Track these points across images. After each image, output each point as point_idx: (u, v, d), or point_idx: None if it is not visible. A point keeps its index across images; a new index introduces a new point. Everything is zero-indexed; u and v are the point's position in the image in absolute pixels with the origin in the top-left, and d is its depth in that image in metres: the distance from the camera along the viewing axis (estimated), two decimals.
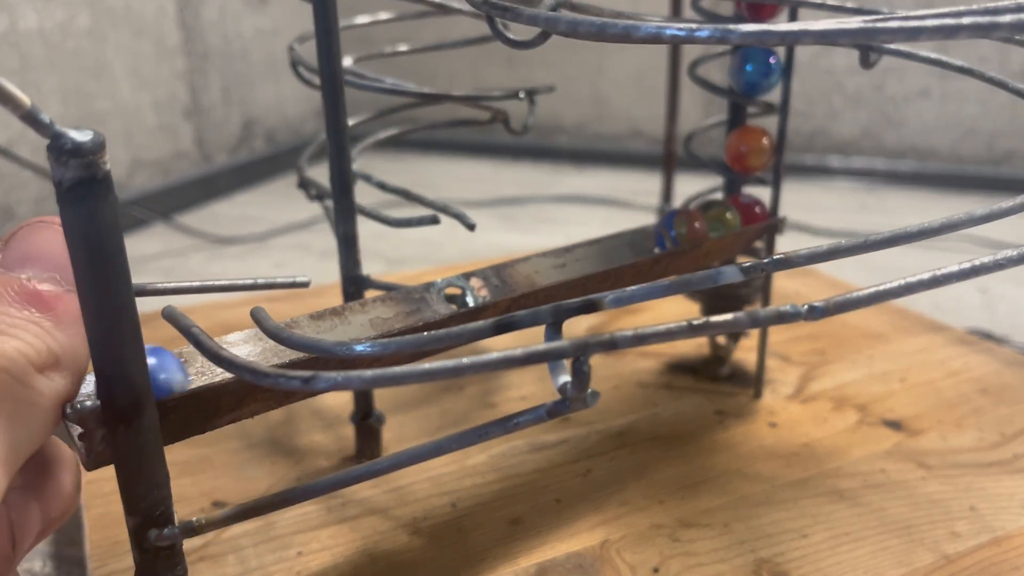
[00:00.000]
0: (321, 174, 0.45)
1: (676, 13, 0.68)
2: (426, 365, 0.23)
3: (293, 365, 0.32)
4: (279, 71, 1.49)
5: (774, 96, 0.50)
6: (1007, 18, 0.23)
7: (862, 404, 0.55)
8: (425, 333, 0.25)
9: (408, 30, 1.49)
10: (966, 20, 0.23)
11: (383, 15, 0.59)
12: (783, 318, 0.24)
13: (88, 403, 0.27)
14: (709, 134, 0.61)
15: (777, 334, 0.64)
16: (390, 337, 0.36)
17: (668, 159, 0.84)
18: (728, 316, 0.24)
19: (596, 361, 0.62)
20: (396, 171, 1.52)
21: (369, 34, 1.52)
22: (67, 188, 0.24)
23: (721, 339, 0.58)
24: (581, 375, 0.24)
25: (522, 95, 0.49)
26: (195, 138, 1.33)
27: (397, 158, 1.62)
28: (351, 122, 0.51)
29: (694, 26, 0.24)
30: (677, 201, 0.82)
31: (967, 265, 0.25)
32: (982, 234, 1.13)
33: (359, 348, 0.25)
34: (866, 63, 0.42)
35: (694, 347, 0.63)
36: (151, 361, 0.28)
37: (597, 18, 0.26)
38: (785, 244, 1.08)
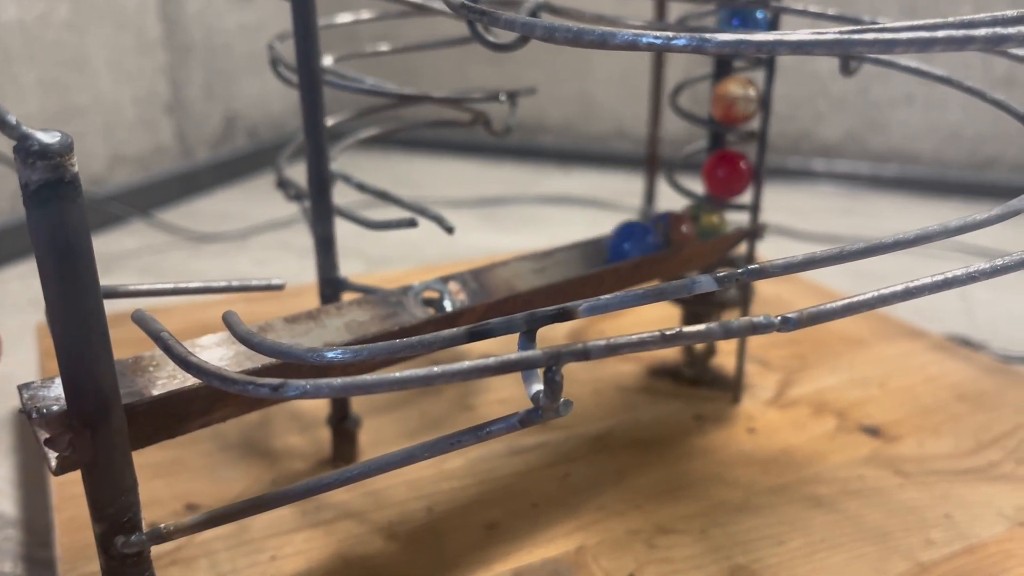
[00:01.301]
0: (302, 172, 0.45)
1: (660, 18, 0.68)
2: (397, 374, 0.23)
3: (265, 370, 0.31)
4: (262, 66, 1.48)
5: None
6: (981, 32, 0.23)
7: (841, 410, 0.55)
8: (398, 340, 0.25)
9: (393, 28, 1.48)
10: (941, 34, 0.23)
11: (365, 14, 0.58)
12: (756, 329, 0.24)
13: (55, 408, 0.26)
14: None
15: (757, 339, 0.64)
16: (365, 342, 0.36)
17: (651, 161, 0.84)
18: (701, 327, 0.24)
19: (575, 364, 0.62)
20: (379, 170, 1.52)
21: (355, 31, 1.51)
22: (34, 190, 0.23)
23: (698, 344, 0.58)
24: (553, 385, 0.24)
25: (503, 97, 0.49)
26: (176, 133, 1.32)
27: (381, 156, 1.61)
28: (330, 122, 0.51)
29: (671, 34, 0.24)
30: (660, 202, 0.82)
31: (939, 278, 0.25)
32: (964, 238, 1.13)
33: (330, 355, 0.25)
34: (846, 71, 0.42)
35: (674, 351, 0.63)
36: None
37: (574, 24, 0.25)
38: (768, 247, 1.08)
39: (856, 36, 0.23)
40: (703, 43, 0.24)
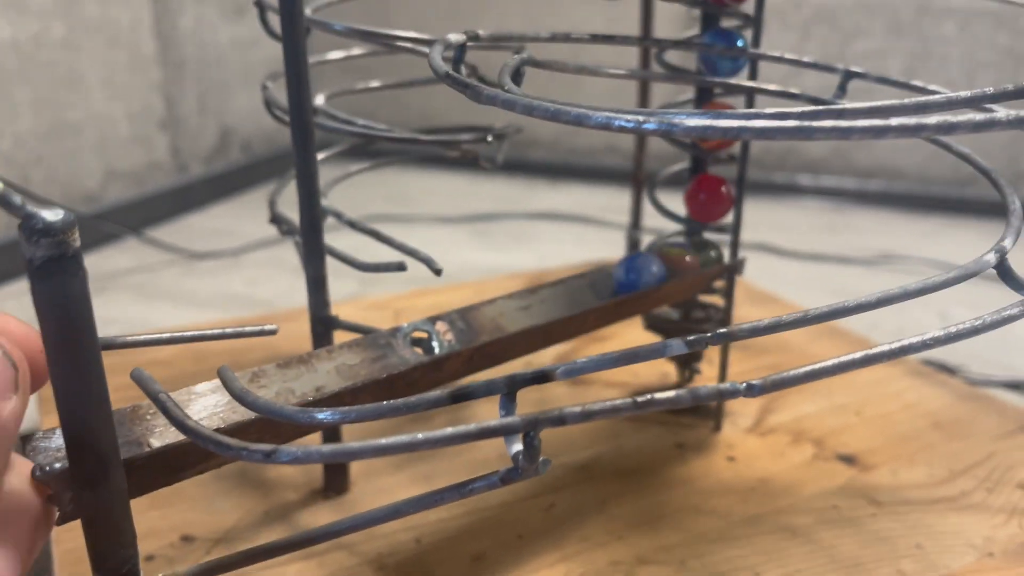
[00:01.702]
0: (294, 196, 0.46)
1: (644, 66, 0.69)
2: (383, 441, 0.24)
3: (258, 422, 0.33)
4: (256, 81, 1.49)
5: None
6: (932, 120, 0.24)
7: (818, 438, 0.57)
8: (385, 403, 0.26)
9: (387, 55, 1.50)
10: (894, 122, 0.24)
11: (357, 50, 0.60)
12: (723, 395, 0.26)
13: (57, 465, 0.28)
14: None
15: (738, 365, 0.66)
16: (355, 387, 0.37)
17: (636, 182, 0.85)
18: (671, 393, 0.25)
19: (563, 391, 0.63)
20: (373, 184, 1.53)
21: (348, 61, 1.52)
22: (38, 265, 0.25)
23: (684, 373, 0.60)
24: (531, 449, 0.26)
25: (490, 139, 0.51)
26: (170, 148, 1.33)
27: (374, 171, 1.63)
28: (321, 156, 0.52)
29: (641, 118, 0.25)
30: (646, 221, 0.84)
31: (896, 345, 0.27)
32: (943, 258, 1.15)
33: (321, 416, 0.27)
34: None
35: (657, 378, 0.64)
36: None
37: (552, 104, 0.27)
38: (752, 265, 1.09)
39: (815, 124, 0.24)
40: (672, 127, 0.25)
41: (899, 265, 1.14)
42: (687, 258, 0.51)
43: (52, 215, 0.25)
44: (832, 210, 1.43)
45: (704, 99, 0.54)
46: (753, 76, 0.50)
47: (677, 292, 0.51)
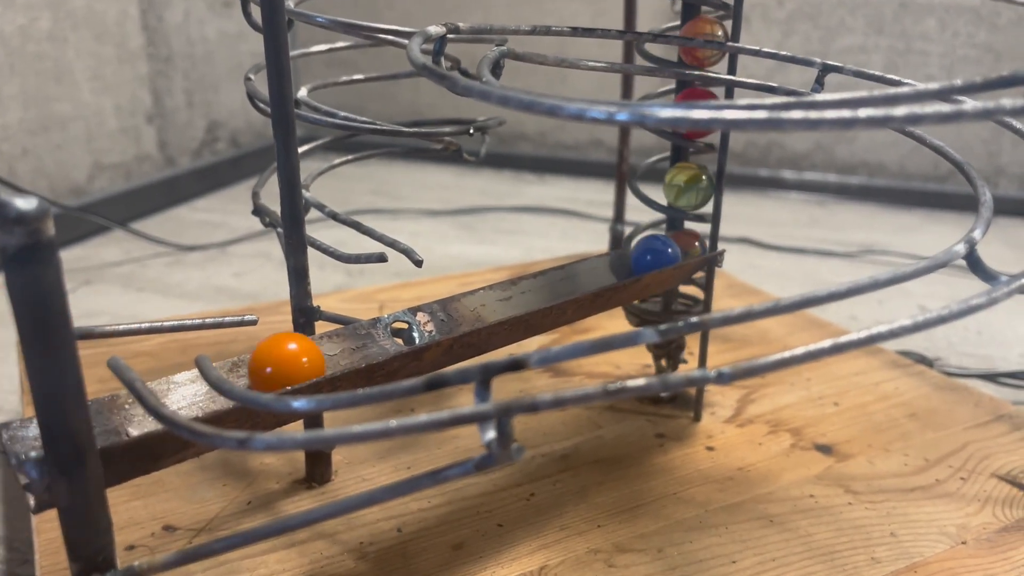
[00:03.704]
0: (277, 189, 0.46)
1: (628, 59, 0.70)
2: (357, 428, 0.25)
3: (236, 411, 0.33)
4: (243, 74, 1.48)
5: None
6: (900, 112, 0.25)
7: (796, 428, 0.57)
8: (360, 391, 0.27)
9: (373, 48, 1.49)
10: (862, 113, 0.25)
11: (341, 43, 0.60)
12: (692, 382, 0.26)
13: (33, 454, 0.28)
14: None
15: (719, 357, 0.67)
16: (335, 377, 0.37)
17: (620, 176, 0.86)
18: (641, 381, 0.26)
19: (544, 383, 0.64)
20: (358, 178, 1.53)
21: (333, 57, 1.52)
22: (12, 254, 0.25)
23: (663, 361, 0.60)
24: (504, 435, 0.26)
25: (472, 131, 0.51)
26: (158, 142, 1.33)
27: (361, 164, 1.62)
28: (303, 149, 0.52)
29: (613, 108, 0.26)
30: (630, 215, 0.84)
31: (865, 334, 0.27)
32: (922, 252, 1.16)
33: (296, 404, 0.27)
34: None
35: (639, 370, 0.65)
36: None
37: (526, 95, 0.27)
38: (735, 259, 1.10)
39: (785, 115, 0.25)
40: (643, 119, 0.26)
41: (880, 258, 1.15)
42: (695, 243, 0.53)
43: (25, 203, 0.25)
44: (814, 204, 1.44)
45: (684, 88, 0.54)
46: (732, 71, 0.50)
47: (657, 284, 0.51)
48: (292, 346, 0.35)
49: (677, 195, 0.54)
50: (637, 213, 0.66)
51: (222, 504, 0.49)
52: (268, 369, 0.35)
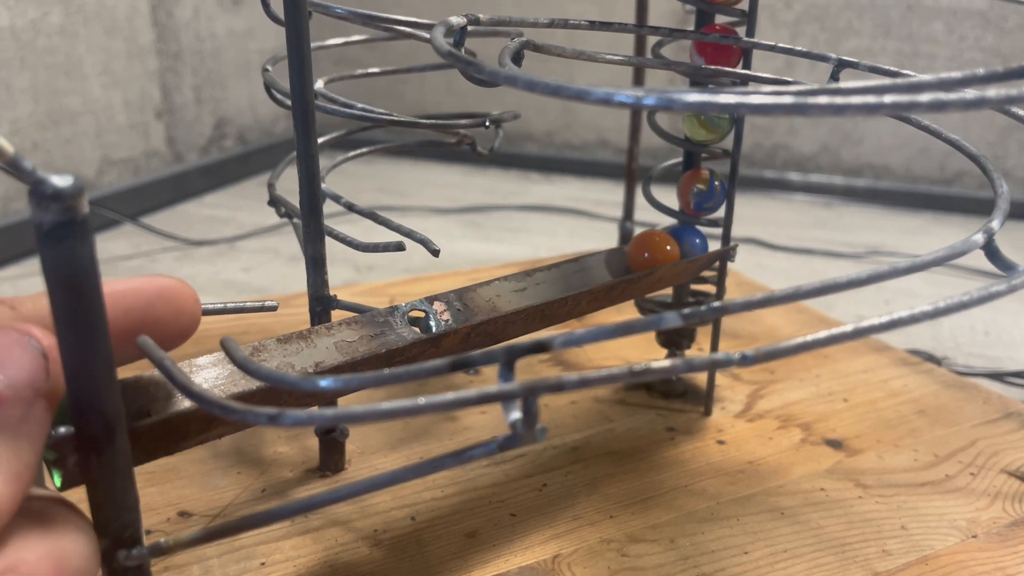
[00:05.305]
0: (289, 180, 0.46)
1: (639, 53, 0.70)
2: (384, 405, 0.25)
3: (260, 392, 0.33)
4: (252, 71, 1.49)
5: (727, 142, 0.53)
6: (925, 98, 0.25)
7: (807, 423, 0.58)
8: (387, 371, 0.27)
9: (382, 47, 1.50)
10: (887, 99, 0.25)
11: (356, 36, 0.60)
12: (716, 364, 0.27)
13: (62, 430, 0.28)
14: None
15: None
16: (354, 362, 0.38)
17: (630, 175, 0.86)
18: (666, 363, 0.26)
19: (554, 375, 0.64)
20: (367, 177, 1.53)
21: (345, 49, 1.53)
22: (47, 231, 0.25)
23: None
24: (530, 415, 0.26)
25: (488, 124, 0.51)
26: (166, 137, 1.33)
27: (368, 163, 1.63)
28: (321, 140, 0.53)
29: (641, 93, 0.26)
30: (639, 215, 0.85)
31: (886, 319, 0.27)
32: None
33: (323, 383, 0.27)
34: None
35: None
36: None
37: (552, 81, 0.27)
38: (743, 259, 1.10)
39: (811, 100, 0.25)
40: (671, 102, 0.26)
41: (887, 259, 1.15)
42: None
43: (62, 180, 0.25)
44: (821, 205, 1.44)
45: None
46: (747, 67, 0.50)
47: (671, 277, 0.51)
48: (659, 238, 0.50)
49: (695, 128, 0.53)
50: (646, 213, 0.66)
51: (236, 491, 0.50)
52: (645, 255, 0.50)
